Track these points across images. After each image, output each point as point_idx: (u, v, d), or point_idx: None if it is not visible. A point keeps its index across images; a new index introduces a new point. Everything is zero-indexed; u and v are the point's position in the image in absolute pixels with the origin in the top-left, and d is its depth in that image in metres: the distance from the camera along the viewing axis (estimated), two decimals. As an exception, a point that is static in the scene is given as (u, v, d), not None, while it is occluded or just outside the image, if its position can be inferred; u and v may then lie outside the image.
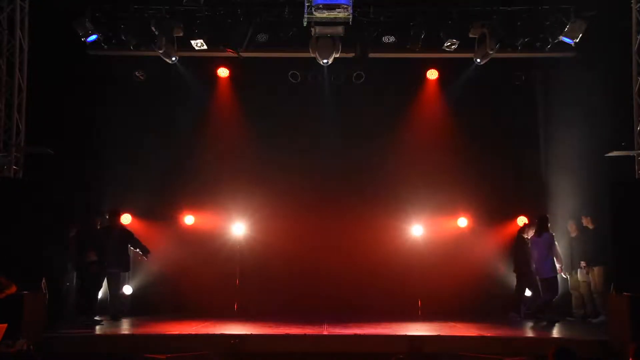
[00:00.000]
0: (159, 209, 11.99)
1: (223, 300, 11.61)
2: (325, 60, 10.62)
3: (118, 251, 10.67)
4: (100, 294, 11.36)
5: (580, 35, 10.19)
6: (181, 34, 10.60)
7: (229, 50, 10.85)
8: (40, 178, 10.22)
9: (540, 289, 10.49)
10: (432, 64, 12.19)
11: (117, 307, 10.79)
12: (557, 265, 10.44)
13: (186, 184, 12.04)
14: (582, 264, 10.82)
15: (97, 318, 10.15)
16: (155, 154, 11.77)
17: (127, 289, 11.85)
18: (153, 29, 10.42)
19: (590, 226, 10.83)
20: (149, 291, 11.96)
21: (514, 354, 7.87)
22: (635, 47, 9.50)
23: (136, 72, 11.87)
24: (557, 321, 10.23)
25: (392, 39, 10.84)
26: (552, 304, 10.56)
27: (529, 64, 11.58)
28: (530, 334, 9.70)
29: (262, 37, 10.79)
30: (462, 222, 12.19)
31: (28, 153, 9.86)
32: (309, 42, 10.41)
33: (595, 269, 10.63)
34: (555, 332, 9.79)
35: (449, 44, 10.68)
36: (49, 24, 10.26)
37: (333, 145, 12.25)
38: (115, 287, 10.82)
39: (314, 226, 11.98)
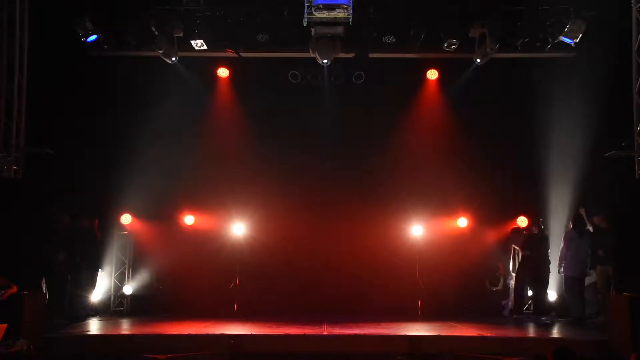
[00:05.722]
0: (159, 209, 11.98)
1: (223, 300, 11.60)
2: (325, 60, 10.63)
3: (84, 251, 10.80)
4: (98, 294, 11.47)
5: (580, 35, 10.19)
6: (181, 34, 10.60)
7: (229, 50, 10.86)
8: (40, 178, 10.25)
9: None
10: (432, 64, 12.17)
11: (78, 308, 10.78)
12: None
13: (186, 184, 12.02)
14: None
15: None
16: (155, 154, 11.74)
17: (127, 289, 11.87)
18: (153, 29, 10.42)
19: (603, 225, 10.62)
20: (149, 291, 11.98)
21: (514, 354, 7.86)
22: (635, 47, 9.51)
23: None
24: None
25: (392, 39, 10.86)
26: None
27: (529, 64, 11.58)
28: (530, 334, 9.71)
29: (262, 37, 10.80)
30: (462, 222, 12.19)
31: (28, 153, 9.86)
32: (309, 42, 10.41)
33: (598, 268, 10.53)
34: (555, 332, 9.80)
35: (449, 44, 10.68)
36: (49, 24, 10.26)
37: (333, 145, 12.24)
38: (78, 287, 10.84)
39: (314, 226, 11.97)
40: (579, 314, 10.26)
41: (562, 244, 10.74)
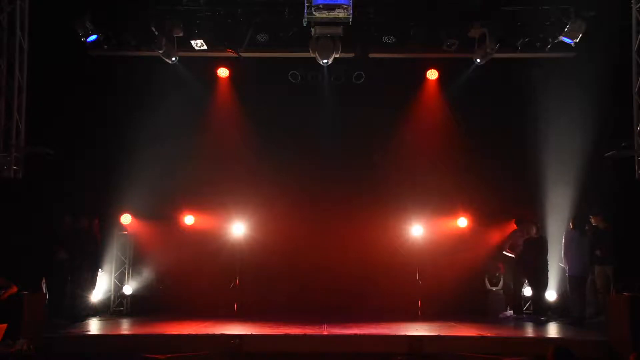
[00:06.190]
0: (159, 209, 11.98)
1: (223, 300, 11.60)
2: (325, 60, 10.62)
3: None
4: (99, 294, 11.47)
5: (580, 35, 10.18)
6: (181, 34, 10.60)
7: (229, 50, 10.86)
8: (40, 178, 10.25)
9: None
10: (432, 64, 12.18)
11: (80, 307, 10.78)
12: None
13: (186, 184, 12.01)
14: None
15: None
16: (155, 154, 11.73)
17: (127, 289, 11.86)
18: (153, 29, 10.42)
19: (601, 225, 10.61)
20: (149, 291, 11.98)
21: (514, 354, 7.87)
22: (635, 47, 9.50)
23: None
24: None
25: (392, 39, 10.85)
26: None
27: (529, 64, 11.57)
28: (530, 334, 9.70)
29: (262, 37, 10.80)
30: (462, 222, 12.19)
31: (28, 153, 9.86)
32: (309, 42, 10.41)
33: (597, 268, 10.51)
34: (555, 332, 9.80)
35: (449, 44, 10.68)
36: (49, 24, 10.25)
37: (333, 145, 12.24)
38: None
39: (314, 226, 11.98)
40: (581, 314, 10.26)
41: (563, 244, 10.74)
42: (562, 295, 11.24)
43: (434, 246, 11.96)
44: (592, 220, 10.66)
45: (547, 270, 10.96)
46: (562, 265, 10.87)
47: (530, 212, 11.64)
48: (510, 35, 10.68)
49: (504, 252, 11.67)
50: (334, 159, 12.25)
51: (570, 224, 10.71)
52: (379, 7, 10.43)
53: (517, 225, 11.67)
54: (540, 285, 10.93)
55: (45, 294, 9.75)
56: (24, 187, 9.87)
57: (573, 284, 10.52)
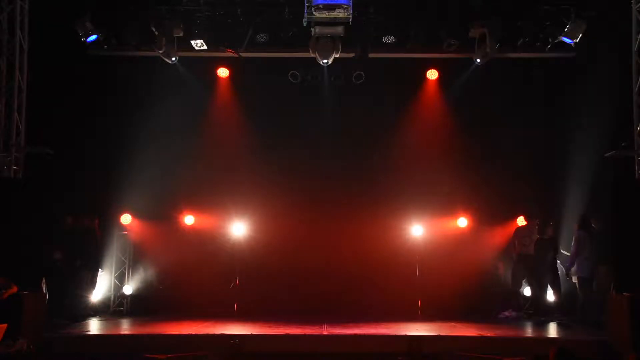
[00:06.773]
0: (159, 209, 11.98)
1: (223, 300, 11.61)
2: (325, 60, 10.63)
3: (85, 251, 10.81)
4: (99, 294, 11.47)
5: (580, 35, 10.19)
6: (181, 34, 10.61)
7: (229, 50, 10.87)
8: (40, 178, 10.25)
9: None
10: (432, 64, 12.18)
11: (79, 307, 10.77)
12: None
13: (186, 184, 12.01)
14: None
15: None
16: (155, 154, 11.74)
17: (127, 289, 11.87)
18: (153, 29, 10.43)
19: (597, 225, 10.60)
20: (149, 291, 11.98)
21: (514, 354, 7.86)
22: (635, 47, 9.51)
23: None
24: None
25: (392, 39, 10.87)
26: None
27: (529, 64, 11.57)
28: (530, 334, 9.71)
29: (262, 37, 10.81)
30: (462, 222, 12.19)
31: (28, 153, 9.85)
32: (309, 42, 10.41)
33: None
34: (555, 332, 9.80)
35: (449, 44, 10.69)
36: (49, 24, 10.26)
37: (333, 145, 12.25)
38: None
39: (314, 226, 11.97)
40: (590, 315, 10.24)
41: (573, 246, 10.65)
42: (563, 295, 11.23)
43: (434, 246, 11.97)
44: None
45: (558, 271, 10.96)
46: (565, 268, 10.83)
47: (541, 211, 11.59)
48: (510, 35, 10.68)
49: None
50: (334, 159, 12.25)
51: (578, 225, 10.66)
52: (379, 7, 10.44)
53: (527, 221, 11.61)
54: (546, 286, 10.91)
55: (45, 294, 9.74)
56: (24, 187, 9.87)
57: (585, 285, 10.45)
